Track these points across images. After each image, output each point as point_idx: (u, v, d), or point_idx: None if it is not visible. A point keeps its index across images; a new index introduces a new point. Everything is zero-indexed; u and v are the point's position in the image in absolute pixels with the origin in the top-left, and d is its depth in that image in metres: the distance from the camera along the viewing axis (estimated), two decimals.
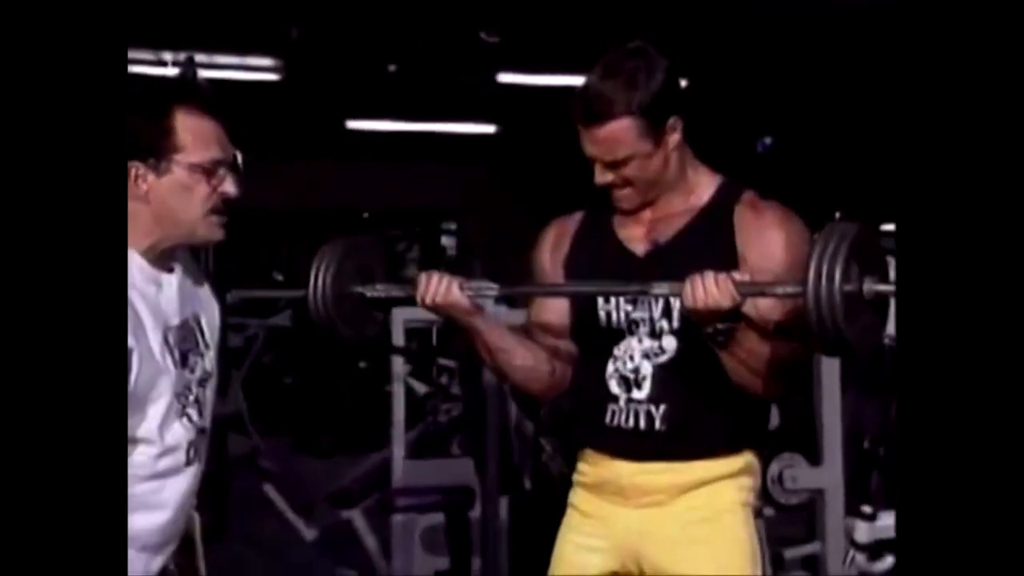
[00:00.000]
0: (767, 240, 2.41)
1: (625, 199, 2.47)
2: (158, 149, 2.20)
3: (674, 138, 2.44)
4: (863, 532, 3.39)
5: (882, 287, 2.16)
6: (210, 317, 2.39)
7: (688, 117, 2.46)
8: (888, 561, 3.58)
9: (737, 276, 2.24)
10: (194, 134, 2.21)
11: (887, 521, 3.35)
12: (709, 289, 2.21)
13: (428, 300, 2.47)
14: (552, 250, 2.61)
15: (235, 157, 2.26)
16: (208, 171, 2.22)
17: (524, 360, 2.55)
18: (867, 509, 3.44)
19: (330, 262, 2.54)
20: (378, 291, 2.57)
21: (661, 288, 2.32)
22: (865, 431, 3.87)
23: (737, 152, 2.39)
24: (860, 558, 3.37)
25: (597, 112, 2.38)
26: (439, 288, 2.46)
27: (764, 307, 2.35)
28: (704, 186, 2.51)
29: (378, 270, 2.63)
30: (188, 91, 2.26)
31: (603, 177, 2.44)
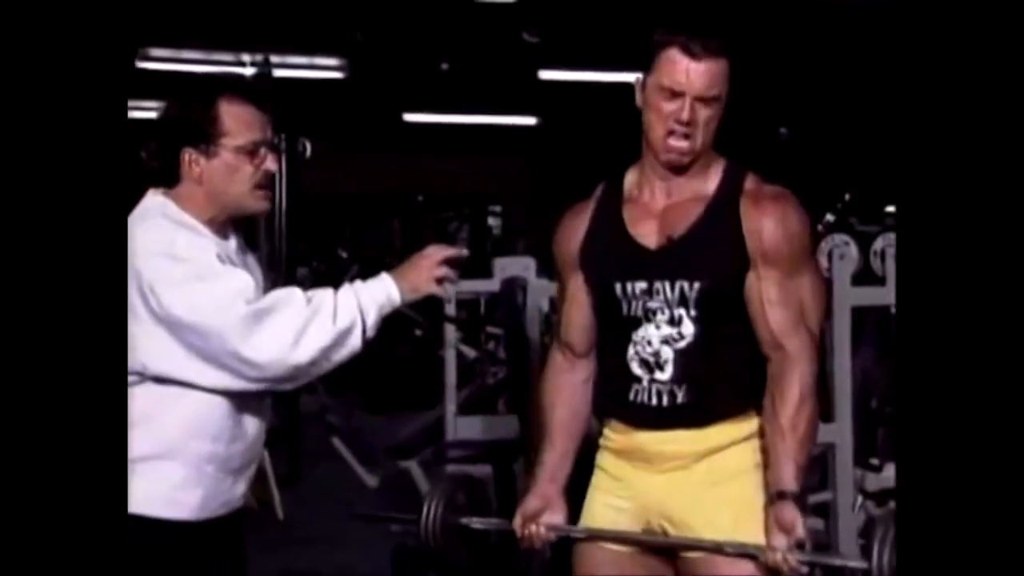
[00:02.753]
0: (769, 232, 2.35)
1: (690, 143, 2.35)
2: (207, 136, 2.26)
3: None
4: (870, 482, 3.37)
5: None
6: (258, 282, 2.44)
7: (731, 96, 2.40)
8: (893, 507, 3.57)
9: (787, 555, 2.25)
10: (237, 120, 2.27)
11: (892, 472, 3.33)
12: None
13: (525, 546, 2.54)
14: (568, 241, 2.53)
15: (274, 137, 2.33)
16: (251, 152, 2.28)
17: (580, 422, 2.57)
18: (874, 461, 3.42)
19: (440, 497, 2.59)
20: (478, 524, 2.60)
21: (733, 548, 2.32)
22: (872, 392, 3.84)
23: (760, 141, 2.37)
24: (868, 505, 3.35)
25: (709, 47, 2.31)
26: (534, 538, 2.51)
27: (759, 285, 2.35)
28: (713, 169, 2.42)
29: (482, 504, 2.68)
30: (230, 83, 2.33)
31: (689, 113, 2.32)
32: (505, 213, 16.59)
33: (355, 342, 2.23)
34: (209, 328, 2.16)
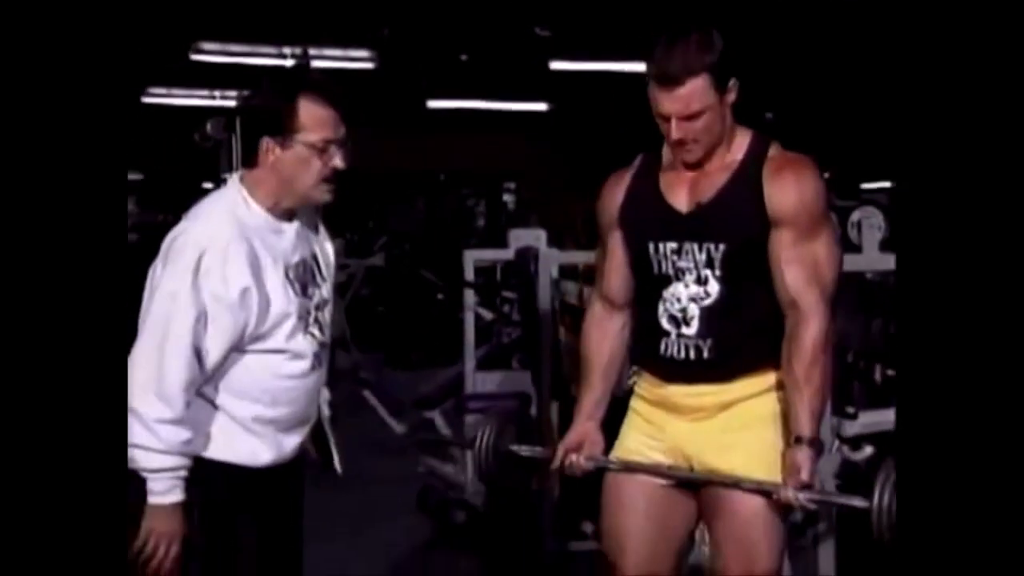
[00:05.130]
0: (787, 197, 2.32)
1: (692, 153, 2.35)
2: (284, 128, 2.22)
3: (731, 98, 2.35)
4: (847, 428, 3.38)
5: None
6: (325, 255, 2.42)
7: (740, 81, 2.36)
8: (867, 451, 3.58)
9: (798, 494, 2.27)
10: (313, 117, 2.23)
11: (866, 419, 3.35)
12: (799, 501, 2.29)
13: (566, 473, 2.57)
14: (609, 202, 2.52)
15: (345, 136, 2.28)
16: (322, 149, 2.24)
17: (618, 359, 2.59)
18: (850, 410, 3.42)
19: (492, 427, 2.68)
20: (525, 451, 2.65)
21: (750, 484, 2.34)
22: (849, 348, 3.84)
23: (748, 124, 2.37)
24: (845, 448, 3.37)
25: (677, 72, 2.27)
26: (575, 466, 2.53)
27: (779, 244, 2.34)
28: (738, 141, 2.40)
29: (524, 433, 2.74)
30: (311, 82, 2.27)
31: (678, 133, 2.32)
32: (519, 190, 16.55)
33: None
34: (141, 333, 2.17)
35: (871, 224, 3.78)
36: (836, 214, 3.90)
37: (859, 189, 11.93)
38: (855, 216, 3.87)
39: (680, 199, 2.41)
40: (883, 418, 3.39)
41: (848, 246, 3.74)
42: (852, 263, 3.68)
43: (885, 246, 3.73)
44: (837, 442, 3.40)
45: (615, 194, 2.51)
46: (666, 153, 2.46)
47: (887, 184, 14.07)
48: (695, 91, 2.28)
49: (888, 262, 3.69)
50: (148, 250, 2.26)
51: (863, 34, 8.67)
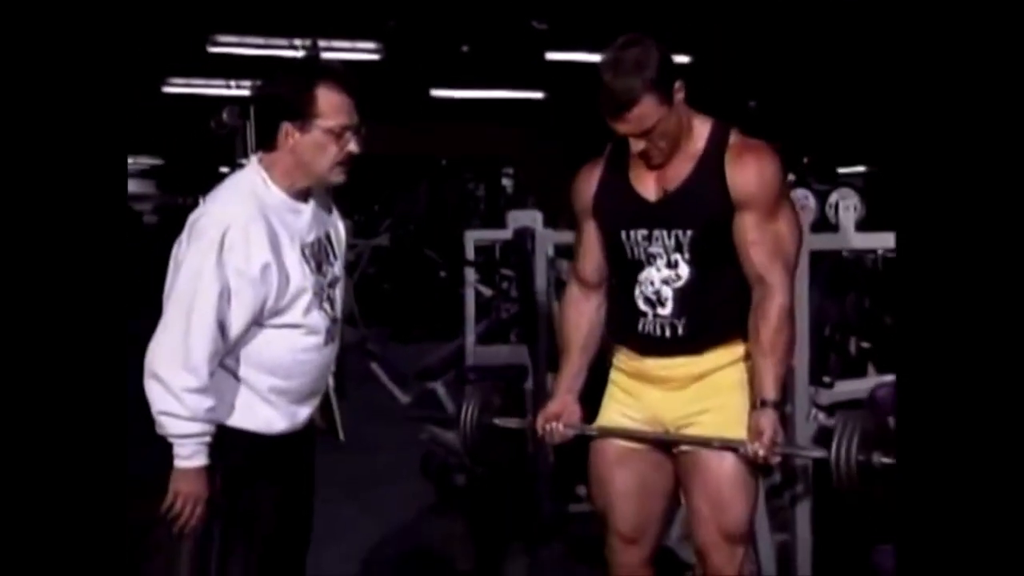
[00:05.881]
0: (748, 181, 2.34)
1: (656, 157, 2.38)
2: (303, 114, 2.22)
3: (679, 97, 2.35)
4: (823, 396, 3.38)
5: (886, 459, 2.26)
6: (337, 235, 2.42)
7: (685, 78, 2.36)
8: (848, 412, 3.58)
9: (762, 448, 2.30)
10: (330, 105, 2.23)
11: (841, 388, 3.36)
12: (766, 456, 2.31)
13: (547, 441, 2.59)
14: (583, 192, 2.53)
15: (360, 123, 2.28)
16: (338, 134, 2.24)
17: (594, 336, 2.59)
18: (826, 379, 3.43)
19: (475, 401, 2.67)
20: (507, 423, 2.65)
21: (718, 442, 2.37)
22: (826, 322, 3.85)
23: (733, 112, 2.37)
24: (820, 415, 3.37)
25: (623, 103, 2.28)
26: (554, 434, 2.55)
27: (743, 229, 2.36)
28: (699, 130, 2.41)
29: (508, 405, 2.71)
30: (328, 72, 2.27)
31: (637, 147, 2.35)
32: (516, 174, 16.54)
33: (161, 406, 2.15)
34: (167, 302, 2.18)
35: (847, 205, 3.78)
36: (815, 196, 3.90)
37: (836, 173, 11.95)
38: (833, 198, 3.87)
39: (648, 188, 2.42)
40: (857, 387, 3.40)
41: (826, 226, 3.74)
42: (830, 242, 3.69)
43: (861, 226, 3.72)
44: (814, 409, 3.40)
45: (588, 185, 2.52)
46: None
47: (862, 168, 14.09)
48: (643, 112, 2.30)
49: (863, 241, 3.70)
50: (168, 230, 2.27)
51: (841, 32, 8.68)
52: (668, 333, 2.42)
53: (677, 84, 2.35)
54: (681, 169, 2.39)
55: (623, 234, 2.44)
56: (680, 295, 2.40)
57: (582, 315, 2.58)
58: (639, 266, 2.43)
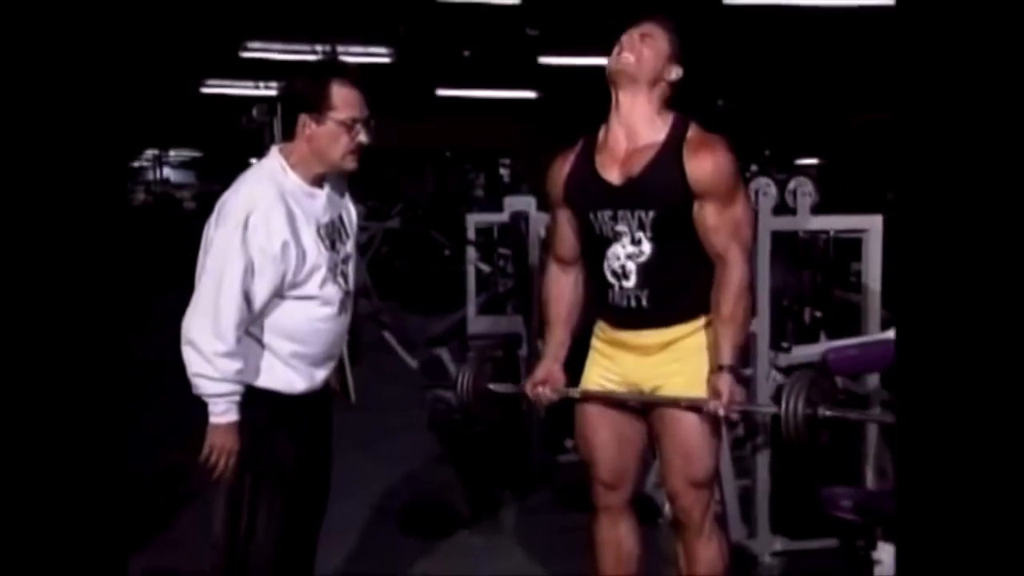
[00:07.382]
0: (705, 173, 2.34)
1: (627, 63, 2.38)
2: (319, 107, 2.22)
3: (673, 71, 2.41)
4: (781, 359, 3.39)
5: (828, 412, 2.32)
6: (350, 217, 2.42)
7: (684, 75, 2.41)
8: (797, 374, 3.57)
9: (721, 406, 2.32)
10: (343, 99, 2.23)
11: (797, 352, 3.36)
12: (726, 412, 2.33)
13: (536, 404, 2.59)
14: (556, 180, 2.53)
15: (369, 115, 2.27)
16: (350, 126, 2.24)
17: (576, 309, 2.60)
18: (784, 344, 3.43)
19: (470, 369, 2.66)
20: (500, 388, 2.66)
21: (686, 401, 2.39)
22: (784, 294, 3.85)
23: (703, 110, 2.36)
24: (778, 377, 3.38)
25: (646, 21, 2.40)
26: (541, 397, 2.56)
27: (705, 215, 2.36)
28: (663, 122, 2.41)
29: (502, 371, 2.72)
30: (341, 70, 2.27)
31: (630, 38, 2.40)
32: (512, 164, 16.50)
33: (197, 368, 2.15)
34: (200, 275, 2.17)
35: (804, 192, 3.79)
36: (776, 183, 3.90)
37: (793, 164, 11.96)
38: (791, 185, 3.88)
39: (613, 175, 2.42)
40: (810, 351, 3.40)
41: (785, 209, 3.74)
42: (788, 224, 3.69)
43: (815, 210, 3.72)
44: (773, 371, 3.41)
45: (560, 173, 2.53)
46: (602, 134, 2.47)
47: (815, 160, 14.09)
48: (650, 26, 2.41)
49: (817, 223, 3.70)
50: (205, 215, 2.27)
51: (801, 41, 8.66)
52: (633, 304, 2.42)
53: (676, 64, 2.41)
54: (643, 157, 2.39)
55: (591, 215, 2.44)
56: (643, 269, 2.41)
57: (562, 291, 2.59)
58: (607, 243, 2.44)
